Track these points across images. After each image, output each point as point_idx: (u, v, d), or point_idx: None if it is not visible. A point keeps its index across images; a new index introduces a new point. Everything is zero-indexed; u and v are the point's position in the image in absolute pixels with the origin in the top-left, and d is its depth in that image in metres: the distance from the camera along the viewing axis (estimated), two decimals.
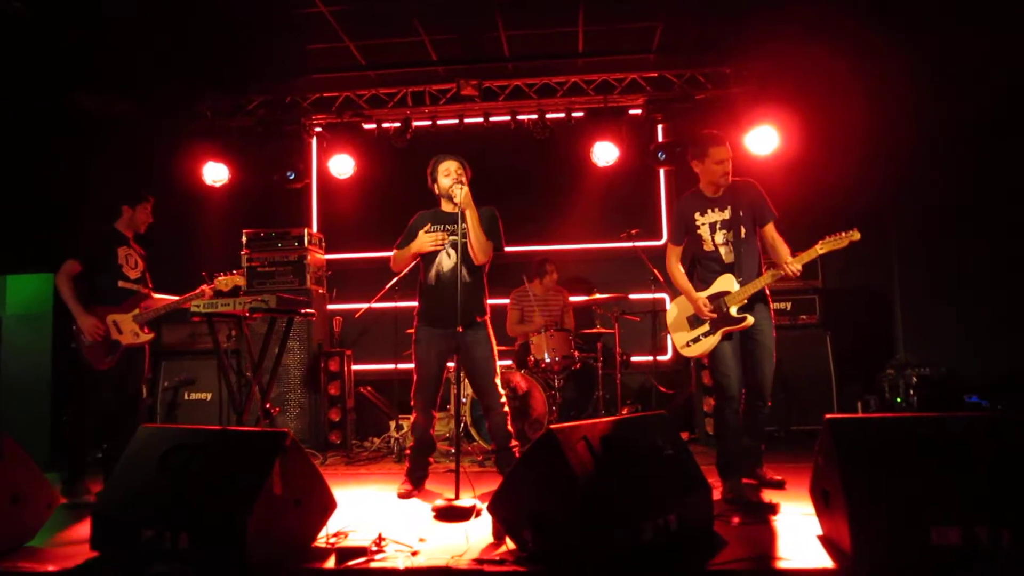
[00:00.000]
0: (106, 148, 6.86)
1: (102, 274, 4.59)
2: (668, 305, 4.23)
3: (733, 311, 3.93)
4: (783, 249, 3.97)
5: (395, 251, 4.39)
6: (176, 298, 4.71)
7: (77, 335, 4.48)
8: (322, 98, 7.24)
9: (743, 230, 3.98)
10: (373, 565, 2.75)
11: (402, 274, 5.71)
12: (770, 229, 4.04)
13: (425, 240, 4.22)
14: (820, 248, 3.82)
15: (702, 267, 4.11)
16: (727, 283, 3.98)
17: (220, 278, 4.79)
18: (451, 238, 4.23)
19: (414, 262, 4.40)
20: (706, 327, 4.01)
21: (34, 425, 5.80)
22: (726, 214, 4.01)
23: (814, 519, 3.11)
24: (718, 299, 3.97)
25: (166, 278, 5.08)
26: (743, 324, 3.92)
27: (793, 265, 3.84)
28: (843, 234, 3.79)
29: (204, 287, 4.74)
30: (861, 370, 6.16)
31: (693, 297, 4.03)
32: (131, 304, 4.63)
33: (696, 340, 4.04)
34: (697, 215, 4.05)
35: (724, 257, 4.01)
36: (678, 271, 4.13)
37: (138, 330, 4.61)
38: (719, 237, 4.01)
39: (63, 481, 4.29)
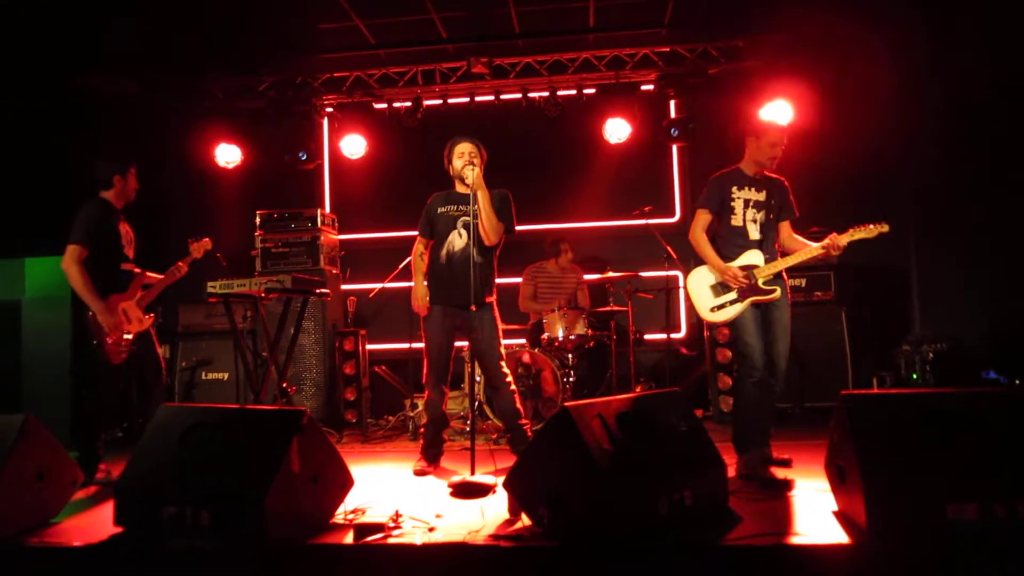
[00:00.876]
0: (118, 129, 6.87)
1: (108, 256, 4.25)
2: (686, 277, 4.24)
3: (761, 282, 3.99)
4: (799, 242, 4.11)
5: (418, 240, 4.50)
6: (161, 276, 4.51)
7: (95, 328, 4.15)
8: (332, 78, 7.22)
9: (771, 216, 4.10)
10: (391, 541, 2.78)
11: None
12: (788, 225, 4.18)
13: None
14: (851, 235, 3.91)
15: (724, 241, 4.13)
16: (755, 257, 4.04)
17: (194, 244, 4.60)
18: (463, 219, 4.25)
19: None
20: (733, 295, 4.04)
21: (55, 405, 5.88)
22: (761, 196, 4.09)
23: (829, 495, 3.12)
24: (747, 270, 4.02)
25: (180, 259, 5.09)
26: (772, 295, 3.97)
27: (840, 240, 3.89)
28: (872, 226, 3.87)
29: (180, 262, 4.54)
30: (876, 347, 6.14)
31: (721, 265, 4.04)
32: (134, 288, 4.39)
33: (721, 307, 4.07)
34: (735, 189, 4.10)
35: (750, 234, 4.07)
36: (703, 238, 4.14)
37: (142, 316, 4.39)
38: (750, 214, 4.07)
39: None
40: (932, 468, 2.56)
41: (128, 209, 4.53)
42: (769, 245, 4.08)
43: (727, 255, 4.09)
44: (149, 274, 4.55)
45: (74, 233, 4.16)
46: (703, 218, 4.15)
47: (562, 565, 2.64)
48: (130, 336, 4.32)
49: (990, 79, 6.12)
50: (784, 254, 4.11)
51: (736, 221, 4.08)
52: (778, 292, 3.97)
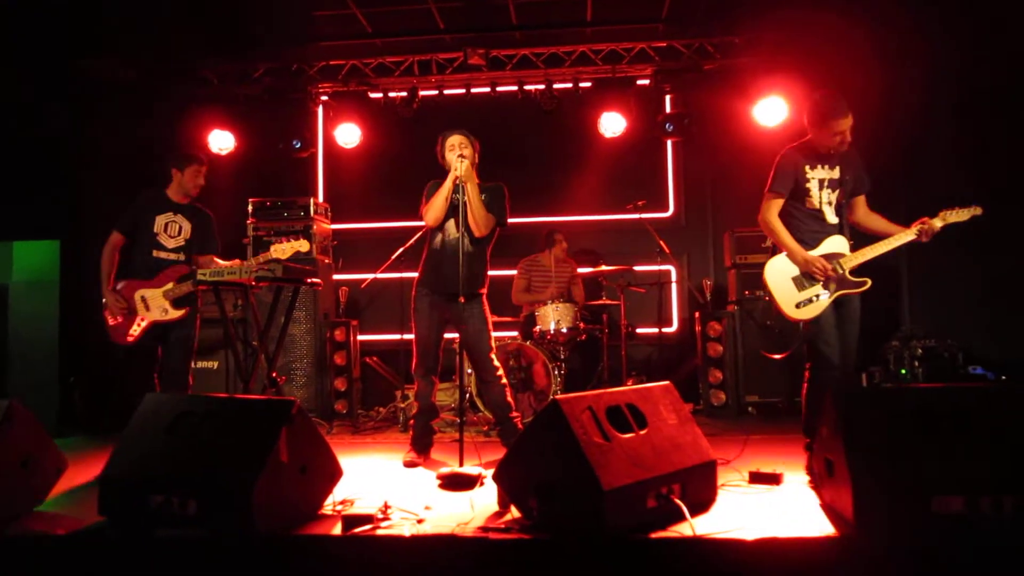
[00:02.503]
0: (110, 114, 6.82)
1: (135, 244, 4.48)
2: (764, 269, 3.82)
3: (848, 272, 3.71)
4: (880, 221, 3.86)
5: (424, 207, 4.28)
6: (226, 263, 4.45)
7: (103, 308, 4.41)
8: (328, 66, 7.19)
9: (845, 195, 3.81)
10: (379, 532, 2.77)
11: (408, 244, 5.75)
12: (864, 200, 3.90)
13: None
14: (943, 219, 3.73)
15: (798, 225, 3.79)
16: (839, 244, 3.75)
17: (276, 245, 4.47)
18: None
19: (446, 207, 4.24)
20: (818, 288, 3.71)
21: (42, 391, 5.85)
22: (835, 173, 3.78)
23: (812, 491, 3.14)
24: (832, 260, 3.71)
25: None
26: (861, 288, 3.71)
27: (934, 225, 3.68)
28: (964, 209, 3.73)
29: (236, 260, 4.50)
30: (866, 342, 6.14)
31: (805, 256, 3.69)
32: (165, 277, 4.45)
33: (809, 301, 3.71)
34: (807, 168, 3.77)
35: (827, 217, 3.77)
36: (779, 224, 3.78)
37: (168, 306, 4.43)
38: (825, 195, 3.77)
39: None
40: (919, 462, 2.57)
41: (193, 205, 4.68)
42: (847, 228, 3.78)
43: (805, 242, 3.75)
44: (219, 261, 4.55)
45: (116, 219, 4.50)
46: (776, 203, 3.78)
47: (550, 557, 2.64)
48: (142, 322, 4.39)
49: (986, 78, 6.13)
50: (862, 232, 3.84)
51: (812, 203, 3.75)
52: (868, 284, 3.69)
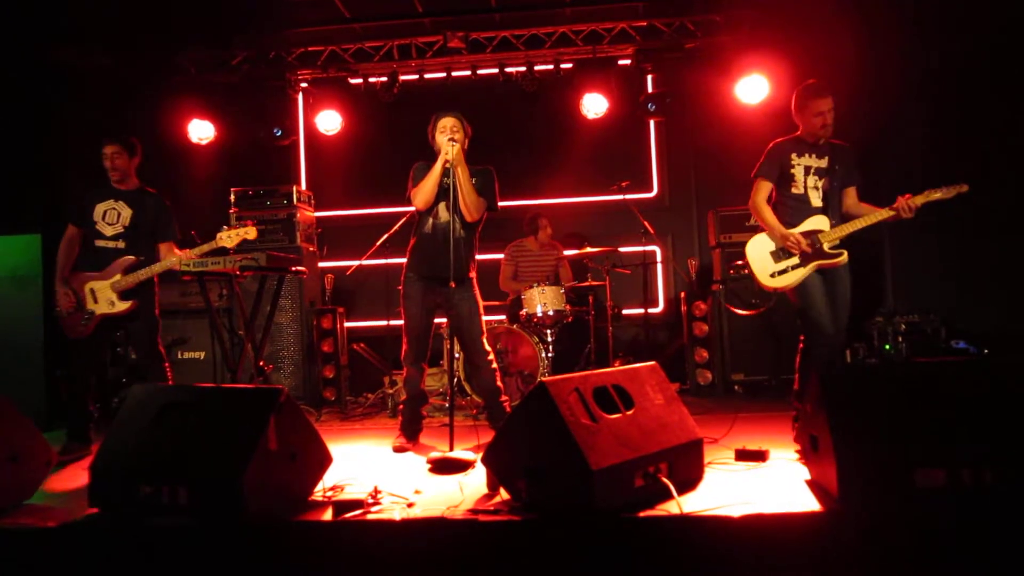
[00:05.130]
0: (89, 104, 6.73)
1: (82, 235, 4.44)
2: (746, 246, 4.09)
3: (827, 247, 3.90)
4: (866, 208, 4.00)
5: (413, 191, 4.23)
6: (180, 254, 4.41)
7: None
8: (307, 52, 7.13)
9: (834, 183, 4.00)
10: (370, 517, 2.79)
11: (393, 230, 5.74)
12: (854, 192, 4.07)
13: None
14: (926, 196, 3.84)
15: (786, 209, 4.03)
16: (819, 222, 3.95)
17: (223, 233, 4.39)
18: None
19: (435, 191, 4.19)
20: (795, 260, 3.94)
21: (29, 385, 5.80)
22: (823, 163, 3.99)
23: (803, 465, 3.18)
24: (811, 236, 3.92)
25: None
26: (838, 259, 3.89)
27: (914, 201, 3.81)
28: (949, 187, 3.83)
29: (178, 251, 4.46)
30: (850, 318, 6.24)
31: (782, 230, 3.95)
32: (114, 269, 4.37)
33: (783, 272, 3.96)
34: (794, 156, 4.01)
35: (812, 201, 3.98)
36: (764, 205, 4.05)
37: (115, 299, 4.33)
38: (811, 181, 3.98)
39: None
40: (902, 435, 2.62)
41: (134, 191, 4.53)
42: (834, 211, 3.98)
43: (790, 223, 3.99)
44: (178, 252, 4.47)
45: (68, 212, 4.48)
46: (762, 188, 4.05)
47: (539, 538, 2.67)
48: (91, 313, 4.32)
49: (969, 55, 6.15)
50: (851, 219, 3.99)
51: (797, 189, 3.99)
52: (845, 256, 3.88)
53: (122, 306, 4.34)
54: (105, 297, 4.34)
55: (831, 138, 4.03)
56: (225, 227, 4.38)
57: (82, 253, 4.44)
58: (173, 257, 4.42)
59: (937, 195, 3.83)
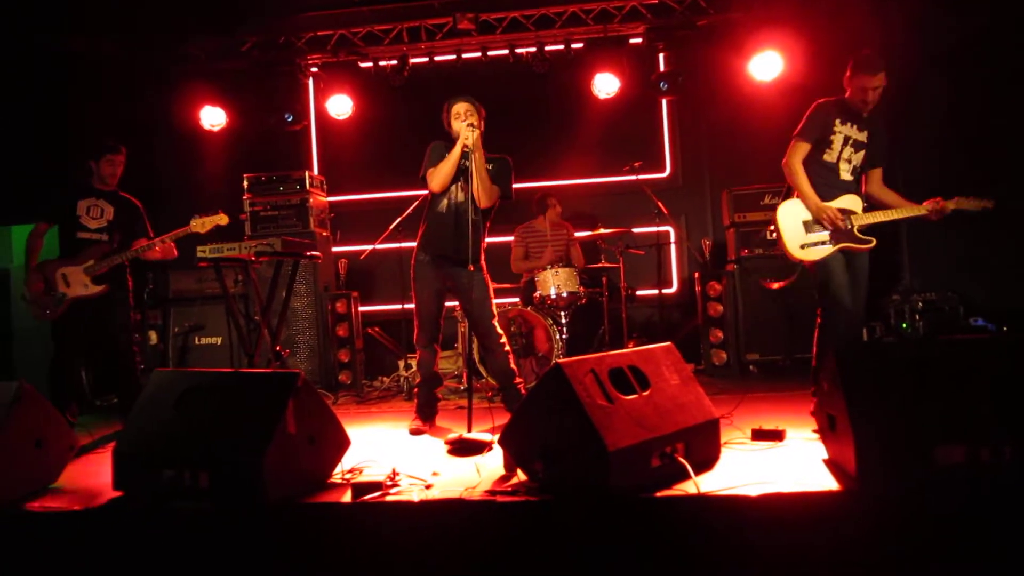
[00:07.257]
0: (102, 93, 6.76)
1: (62, 228, 4.69)
2: (776, 210, 4.02)
3: (857, 230, 3.86)
4: (892, 195, 3.98)
5: (429, 172, 4.23)
6: (128, 250, 4.66)
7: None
8: (316, 37, 7.10)
9: (865, 161, 3.94)
10: (388, 499, 2.81)
11: (406, 214, 5.74)
12: (880, 173, 4.02)
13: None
14: (957, 204, 3.87)
15: (810, 173, 3.93)
16: (853, 203, 3.90)
17: (195, 220, 4.54)
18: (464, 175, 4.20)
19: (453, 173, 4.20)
20: (825, 235, 3.88)
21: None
22: (863, 136, 3.91)
23: (819, 444, 3.17)
24: (845, 215, 3.87)
25: (171, 225, 5.02)
26: (867, 246, 3.85)
27: (946, 207, 3.84)
28: (978, 200, 3.87)
29: (153, 239, 4.70)
30: (867, 297, 6.22)
31: (820, 203, 3.86)
32: (87, 255, 4.62)
33: (812, 245, 3.89)
34: (838, 122, 3.91)
35: (841, 173, 3.91)
36: (801, 170, 3.92)
37: (88, 282, 4.58)
38: (846, 152, 3.90)
39: None
40: (920, 414, 2.60)
41: (115, 192, 4.84)
42: (858, 191, 3.92)
43: (820, 194, 3.89)
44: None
45: (40, 211, 4.75)
46: (800, 149, 3.91)
47: (556, 518, 2.68)
48: (63, 295, 4.55)
49: (984, 30, 6.04)
50: (874, 203, 3.96)
51: (830, 157, 3.90)
52: (873, 243, 3.84)
53: (96, 288, 4.59)
54: (78, 280, 4.58)
55: (870, 110, 3.94)
56: (197, 215, 4.55)
57: (63, 244, 4.67)
58: (142, 243, 4.69)
59: (967, 205, 3.86)
